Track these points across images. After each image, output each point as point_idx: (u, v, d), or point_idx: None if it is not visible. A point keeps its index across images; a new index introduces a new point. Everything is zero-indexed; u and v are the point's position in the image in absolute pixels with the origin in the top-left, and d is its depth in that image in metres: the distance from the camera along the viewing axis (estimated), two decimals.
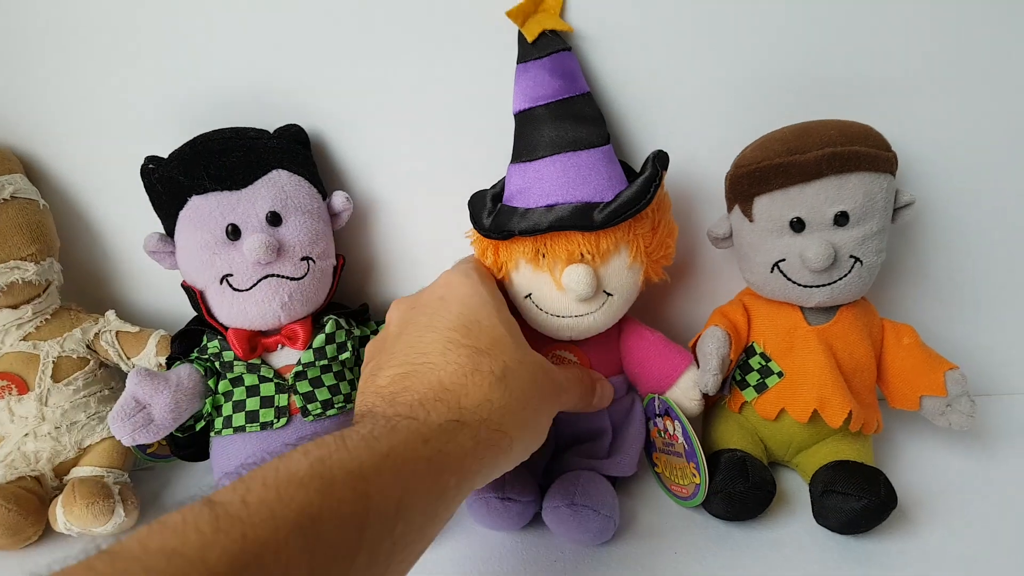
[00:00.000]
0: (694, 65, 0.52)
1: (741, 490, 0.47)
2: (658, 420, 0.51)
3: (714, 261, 0.58)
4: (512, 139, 0.49)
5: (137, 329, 0.56)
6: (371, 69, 0.54)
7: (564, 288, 0.46)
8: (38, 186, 0.56)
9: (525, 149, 0.47)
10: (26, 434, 0.53)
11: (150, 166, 0.51)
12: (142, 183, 0.51)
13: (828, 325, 0.50)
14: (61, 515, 0.50)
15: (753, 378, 0.51)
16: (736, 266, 0.53)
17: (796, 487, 0.53)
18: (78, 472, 0.54)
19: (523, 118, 0.48)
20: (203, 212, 0.50)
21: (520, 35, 0.48)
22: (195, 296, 0.51)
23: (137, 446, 0.55)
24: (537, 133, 0.47)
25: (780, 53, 0.52)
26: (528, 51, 0.48)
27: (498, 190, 0.49)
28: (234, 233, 0.50)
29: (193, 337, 0.53)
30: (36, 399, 0.53)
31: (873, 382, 0.52)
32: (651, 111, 0.53)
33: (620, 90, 0.53)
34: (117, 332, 0.56)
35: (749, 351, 0.52)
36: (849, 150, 0.47)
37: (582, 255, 0.46)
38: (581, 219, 0.45)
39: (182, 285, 0.52)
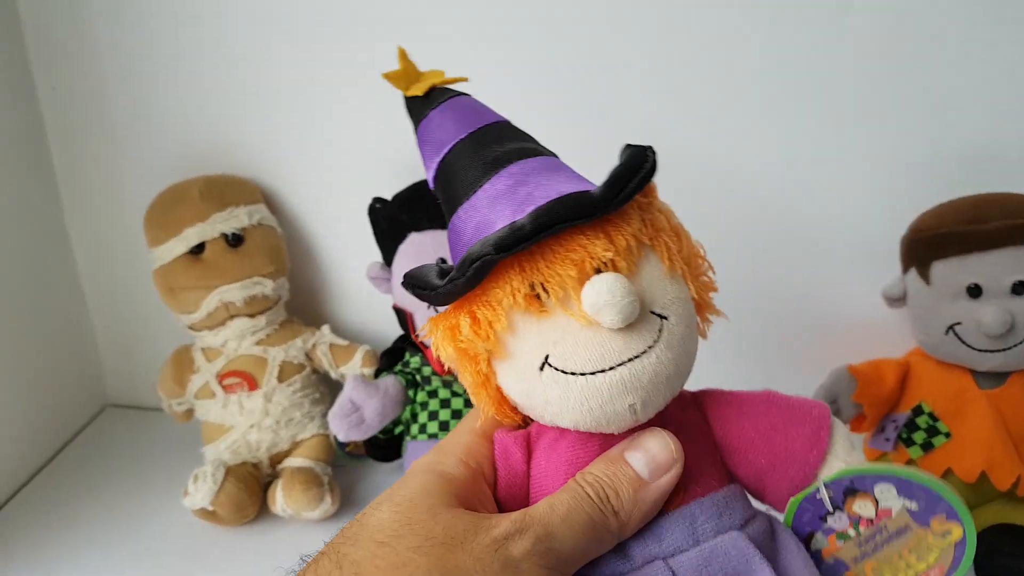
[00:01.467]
0: (867, 136, 0.56)
1: None
2: (835, 519, 0.34)
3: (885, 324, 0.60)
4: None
5: (347, 343, 0.65)
6: (563, 120, 0.60)
7: (592, 313, 0.30)
8: (275, 215, 0.65)
9: (461, 190, 0.34)
10: (252, 425, 0.61)
11: (376, 205, 0.60)
12: (368, 219, 0.60)
13: (1000, 390, 0.52)
14: (281, 498, 0.58)
15: (919, 437, 0.53)
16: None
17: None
18: (291, 462, 0.62)
19: (443, 170, 0.35)
20: (420, 246, 0.58)
21: (407, 102, 0.38)
22: (404, 317, 0.59)
23: (338, 444, 0.63)
24: (470, 165, 0.34)
25: (955, 127, 0.55)
26: (422, 107, 0.37)
27: (444, 264, 0.33)
28: None
29: (397, 353, 0.61)
30: (263, 396, 0.61)
31: None
32: (820, 180, 0.57)
33: (767, 156, 0.57)
34: (330, 344, 0.64)
35: (917, 410, 0.54)
36: None
37: (598, 264, 0.30)
38: (575, 206, 0.30)
39: (393, 307, 0.60)
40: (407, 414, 0.59)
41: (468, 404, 0.58)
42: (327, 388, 0.66)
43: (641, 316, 0.30)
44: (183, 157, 0.66)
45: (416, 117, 0.37)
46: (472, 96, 0.38)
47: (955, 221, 0.50)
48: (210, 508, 0.58)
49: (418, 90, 0.37)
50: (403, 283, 0.33)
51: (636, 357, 0.30)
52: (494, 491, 0.33)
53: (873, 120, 0.55)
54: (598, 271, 0.30)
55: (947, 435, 0.52)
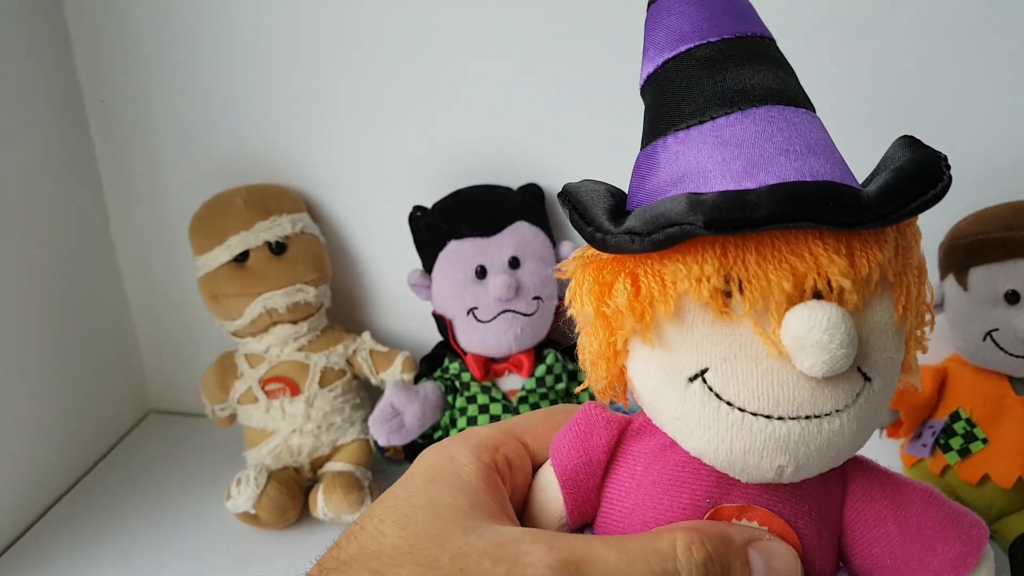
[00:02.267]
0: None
1: None
2: None
3: None
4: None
5: (387, 349, 0.66)
6: (600, 130, 0.61)
7: (790, 346, 0.23)
8: (318, 224, 0.67)
9: (684, 111, 0.26)
10: (293, 430, 0.63)
11: (417, 214, 0.61)
12: (408, 227, 0.61)
13: None
14: (322, 502, 0.59)
15: (956, 443, 0.54)
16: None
17: (993, 553, 0.54)
18: (332, 467, 0.63)
19: (666, 75, 0.27)
20: (458, 254, 0.59)
21: None
22: (444, 324, 0.60)
23: (378, 448, 0.64)
24: (706, 83, 0.25)
25: (992, 135, 0.55)
26: None
27: (615, 190, 0.27)
28: (481, 273, 0.59)
29: (437, 359, 0.62)
30: (304, 401, 0.63)
31: None
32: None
33: None
34: (371, 350, 0.66)
35: (954, 416, 0.54)
36: None
37: (821, 287, 0.23)
38: (835, 205, 0.22)
39: (433, 314, 0.61)
40: (446, 419, 0.60)
41: (507, 410, 0.59)
42: (367, 394, 0.67)
43: (846, 371, 0.23)
44: (227, 167, 0.68)
45: None
46: None
47: (993, 227, 0.51)
48: (252, 511, 0.59)
49: None
50: (561, 196, 0.26)
51: (816, 416, 0.23)
52: (522, 485, 0.29)
53: (910, 127, 0.56)
54: (818, 295, 0.23)
55: (984, 441, 0.53)
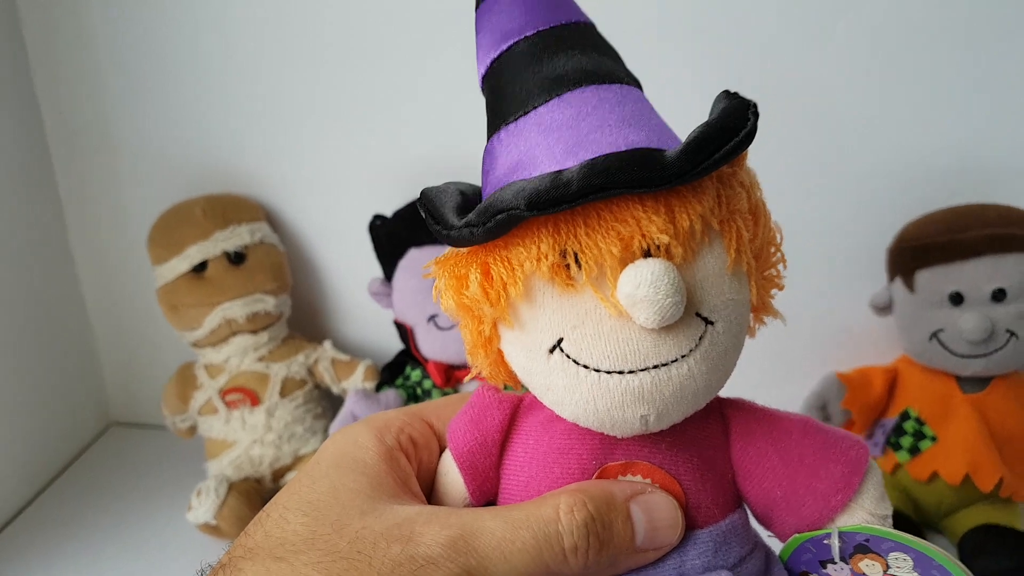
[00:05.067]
0: (853, 148, 0.58)
1: None
2: (836, 569, 0.29)
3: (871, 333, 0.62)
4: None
5: (348, 358, 0.66)
6: None
7: (625, 304, 0.24)
8: (277, 233, 0.67)
9: (509, 105, 0.27)
10: (254, 440, 0.62)
11: (377, 222, 0.61)
12: (369, 236, 0.61)
13: (982, 394, 0.54)
14: None
15: (907, 441, 0.55)
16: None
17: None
18: (293, 476, 0.63)
19: (496, 72, 0.28)
20: (419, 261, 0.59)
21: None
22: (406, 332, 0.60)
23: None
24: (528, 75, 0.27)
25: (938, 142, 0.57)
26: None
27: (468, 188, 0.28)
28: None
29: (398, 367, 0.62)
30: (265, 411, 0.63)
31: None
32: (809, 193, 0.59)
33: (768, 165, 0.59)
34: (332, 359, 0.66)
35: (904, 416, 0.55)
36: (1008, 232, 0.51)
37: (648, 246, 0.25)
38: (639, 170, 0.24)
39: (394, 322, 0.61)
40: None
41: None
42: (329, 403, 0.67)
43: (683, 317, 0.25)
44: (186, 177, 0.68)
45: None
46: None
47: (937, 231, 0.52)
48: (214, 522, 0.59)
49: None
50: (418, 202, 0.28)
51: (664, 365, 0.25)
52: (427, 466, 0.30)
53: (860, 135, 0.57)
54: (648, 254, 0.25)
55: (933, 439, 0.54)
